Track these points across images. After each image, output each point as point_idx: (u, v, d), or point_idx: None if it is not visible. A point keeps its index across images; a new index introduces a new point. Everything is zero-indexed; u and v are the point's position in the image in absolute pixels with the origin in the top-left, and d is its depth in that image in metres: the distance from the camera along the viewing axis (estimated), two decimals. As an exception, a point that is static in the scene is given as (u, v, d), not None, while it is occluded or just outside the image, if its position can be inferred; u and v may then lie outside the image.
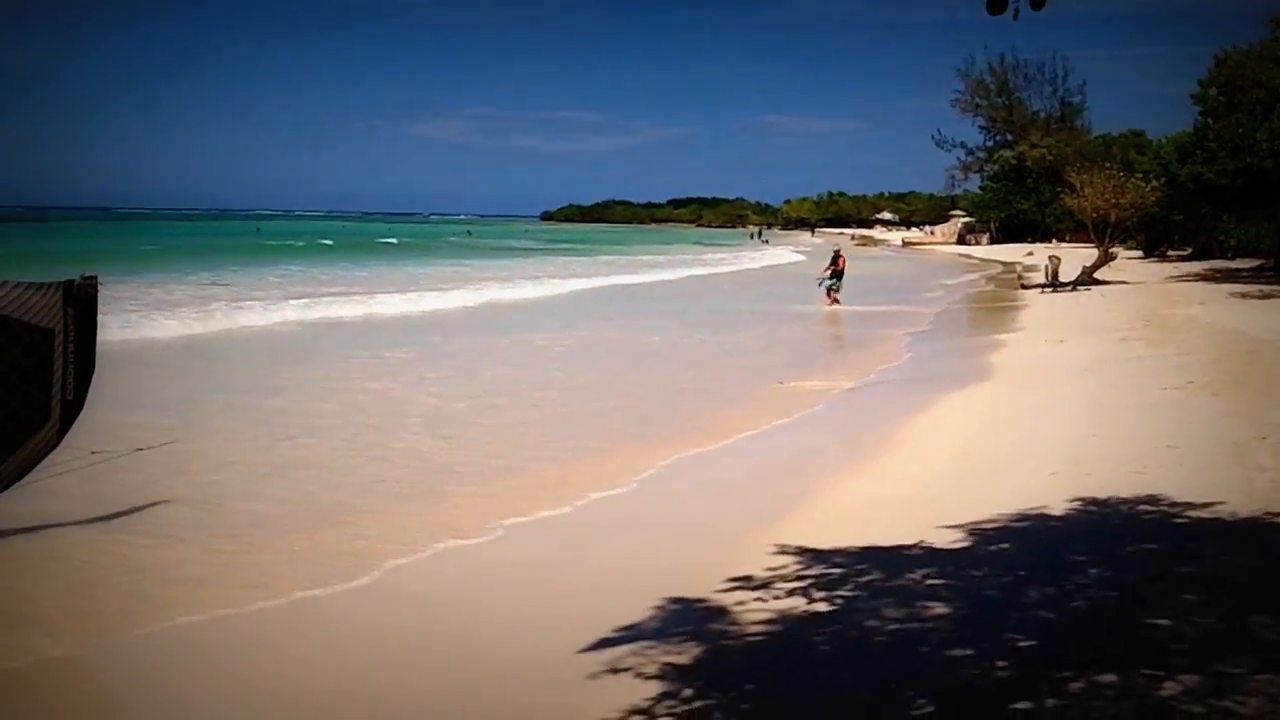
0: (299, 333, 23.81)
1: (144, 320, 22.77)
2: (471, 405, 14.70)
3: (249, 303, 27.37)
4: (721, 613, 6.72)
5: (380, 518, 9.20)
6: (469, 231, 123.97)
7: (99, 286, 8.13)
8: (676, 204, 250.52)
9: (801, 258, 69.03)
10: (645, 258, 68.91)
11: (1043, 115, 74.29)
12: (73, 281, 7.99)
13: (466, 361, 19.86)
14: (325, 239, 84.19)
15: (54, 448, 8.15)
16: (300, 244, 73.25)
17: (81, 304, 8.01)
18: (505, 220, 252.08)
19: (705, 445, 12.23)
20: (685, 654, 6.08)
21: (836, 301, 31.97)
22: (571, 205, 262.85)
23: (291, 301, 28.48)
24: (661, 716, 5.22)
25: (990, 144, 77.14)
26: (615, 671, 5.88)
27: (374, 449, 11.81)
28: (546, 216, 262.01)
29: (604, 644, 6.28)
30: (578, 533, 9.02)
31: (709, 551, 8.25)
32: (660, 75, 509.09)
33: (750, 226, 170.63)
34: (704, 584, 7.21)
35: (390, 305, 29.68)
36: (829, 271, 32.90)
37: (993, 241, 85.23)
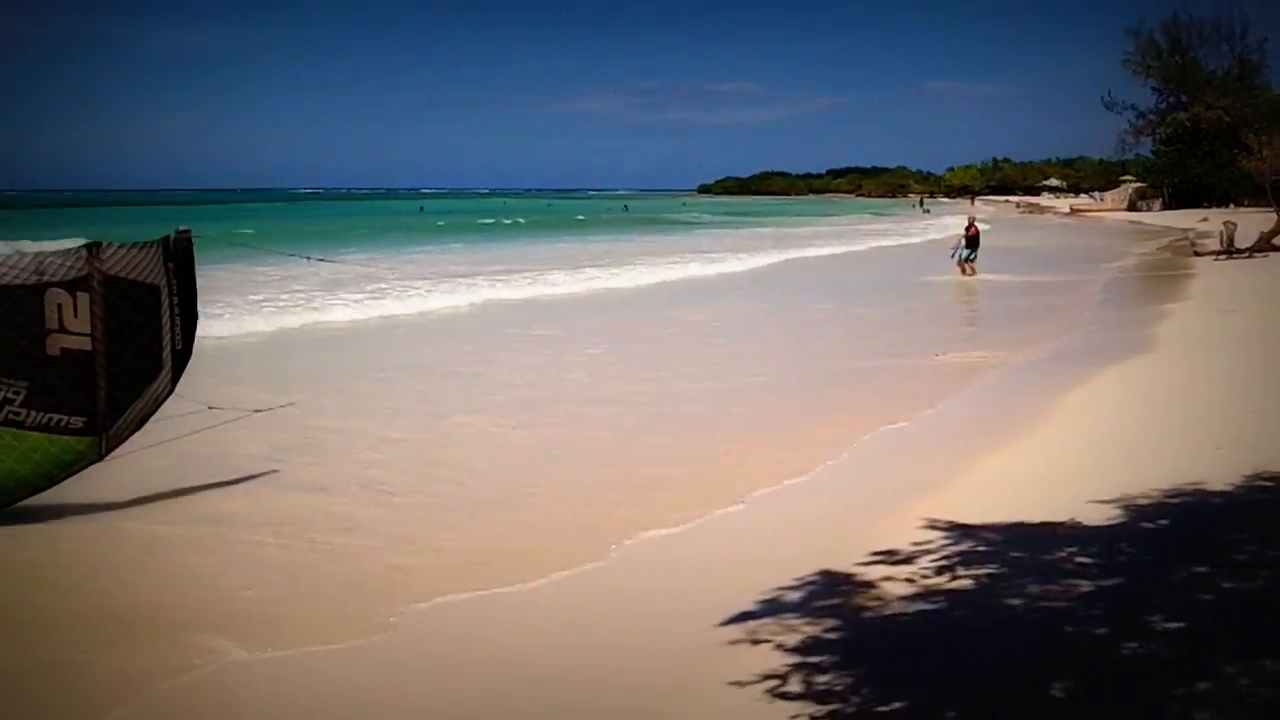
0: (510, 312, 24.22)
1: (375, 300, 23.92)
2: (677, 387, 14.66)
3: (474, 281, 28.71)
4: (864, 586, 6.69)
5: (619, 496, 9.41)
6: (625, 207, 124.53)
7: (192, 239, 8.70)
8: (835, 174, 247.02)
9: (986, 225, 67.26)
10: (809, 229, 68.26)
11: (1219, 74, 71.44)
12: (168, 238, 8.60)
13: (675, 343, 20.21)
14: (514, 217, 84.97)
15: (168, 396, 8.77)
16: (489, 222, 74.23)
17: (180, 258, 8.62)
18: (662, 194, 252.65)
19: (897, 420, 12.08)
20: (825, 627, 6.06)
21: (974, 272, 31.01)
22: (729, 177, 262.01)
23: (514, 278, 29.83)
24: (797, 688, 5.22)
25: (1163, 106, 74.67)
26: (755, 643, 5.90)
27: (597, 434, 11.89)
28: (704, 189, 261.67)
29: (745, 616, 6.32)
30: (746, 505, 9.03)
31: (857, 523, 8.22)
32: (818, 43, 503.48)
33: (912, 196, 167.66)
34: (849, 556, 7.18)
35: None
36: (962, 241, 31.97)
37: (1165, 207, 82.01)
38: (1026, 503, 8.28)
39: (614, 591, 7.22)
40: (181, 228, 8.73)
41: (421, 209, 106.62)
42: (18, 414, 8.18)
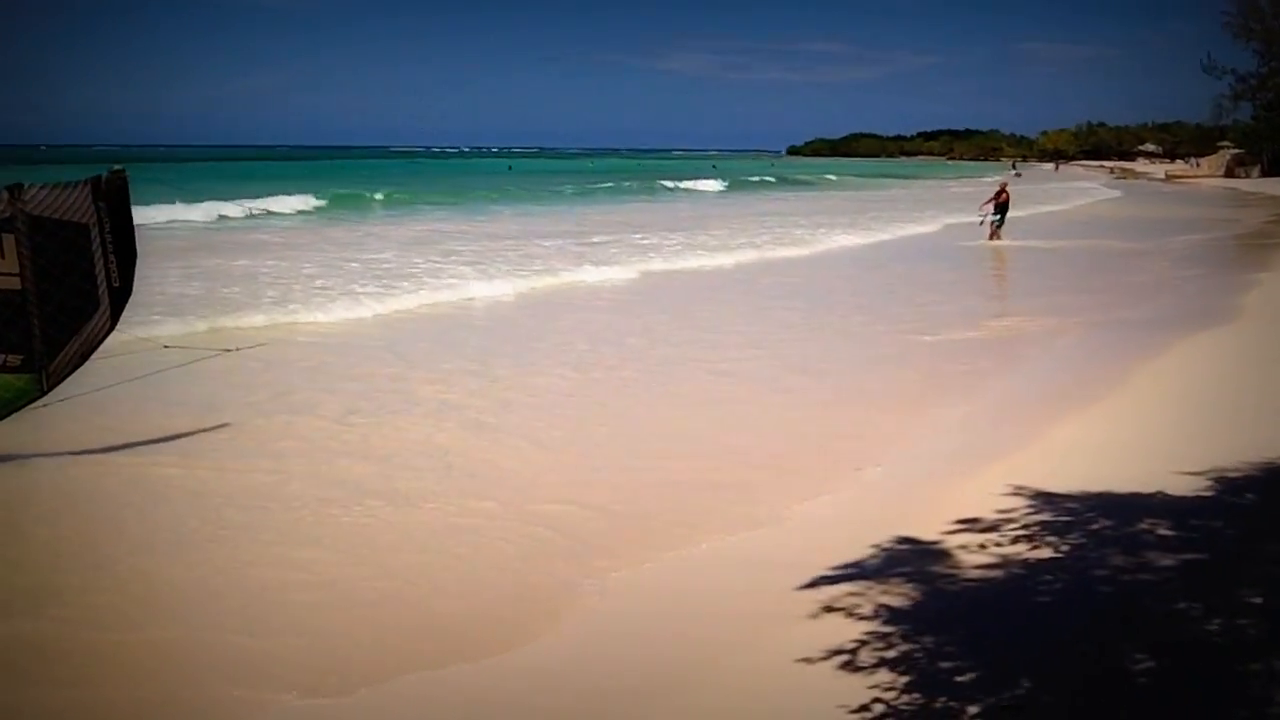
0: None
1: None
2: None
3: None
4: (943, 554, 6.67)
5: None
6: (714, 166, 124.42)
7: (127, 179, 8.74)
8: (926, 136, 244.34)
9: (1117, 193, 66.95)
10: (907, 190, 67.04)
11: (1325, 38, 69.50)
12: (99, 177, 8.63)
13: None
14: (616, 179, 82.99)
15: (109, 333, 8.87)
16: (608, 184, 73.28)
17: (113, 197, 8.64)
18: (750, 155, 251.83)
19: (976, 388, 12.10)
20: (902, 595, 6.06)
21: (998, 237, 30.15)
22: (819, 139, 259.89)
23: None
24: (869, 656, 5.25)
25: (1264, 70, 72.70)
26: (829, 610, 5.92)
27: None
28: (793, 151, 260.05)
29: (822, 581, 6.34)
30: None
31: (936, 490, 8.21)
32: (908, 1, 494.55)
33: (1005, 159, 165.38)
34: (928, 524, 7.16)
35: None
36: (990, 206, 30.76)
37: (1264, 174, 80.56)
38: (1110, 471, 8.20)
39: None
40: (116, 167, 8.84)
41: (510, 168, 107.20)
42: None
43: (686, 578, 6.83)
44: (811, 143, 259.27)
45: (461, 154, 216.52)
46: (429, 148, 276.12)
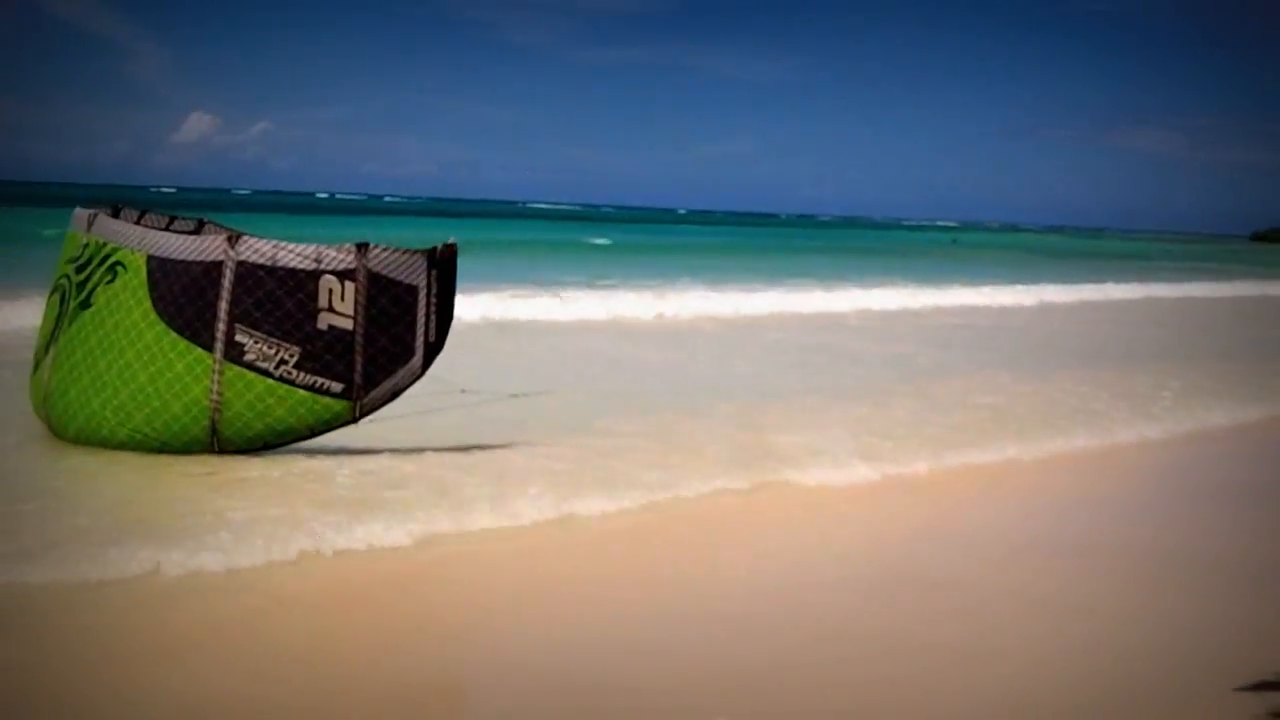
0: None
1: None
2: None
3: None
4: None
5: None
6: (1168, 252, 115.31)
7: (456, 251, 10.31)
8: None
9: None
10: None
11: None
12: (435, 249, 10.23)
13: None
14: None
15: (418, 378, 10.40)
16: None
17: (443, 266, 10.25)
18: (1210, 239, 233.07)
19: None
20: None
21: None
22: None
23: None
24: None
25: None
26: None
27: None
28: (1257, 237, 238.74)
29: None
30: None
31: None
32: None
33: None
34: None
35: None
36: None
37: None
38: None
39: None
40: (450, 240, 10.40)
41: (954, 241, 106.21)
42: (290, 374, 10.14)
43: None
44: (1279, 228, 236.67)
45: (892, 225, 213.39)
46: (857, 217, 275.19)
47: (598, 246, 63.17)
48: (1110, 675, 6.45)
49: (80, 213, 11.67)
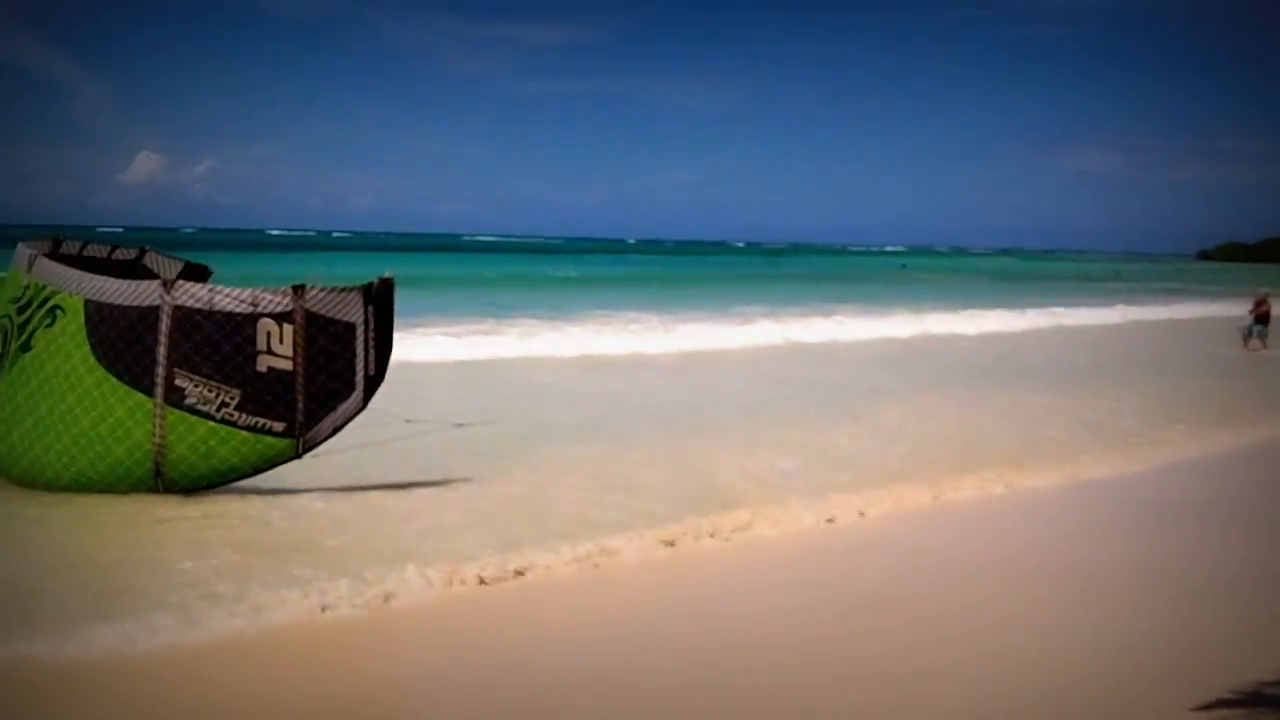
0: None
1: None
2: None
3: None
4: None
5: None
6: (1116, 273, 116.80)
7: (393, 285, 10.43)
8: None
9: None
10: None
11: None
12: (371, 284, 10.34)
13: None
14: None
15: (360, 410, 10.54)
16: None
17: (379, 301, 10.37)
18: (1155, 259, 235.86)
19: None
20: None
21: (1259, 347, 29.91)
22: (1232, 243, 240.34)
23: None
24: None
25: None
26: None
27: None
28: (1204, 255, 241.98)
29: None
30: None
31: None
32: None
33: None
34: None
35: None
36: (1252, 315, 30.91)
37: None
38: None
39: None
40: (386, 274, 10.49)
41: (904, 266, 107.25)
42: (232, 415, 10.28)
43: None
44: (1224, 246, 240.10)
45: (833, 250, 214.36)
46: (796, 244, 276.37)
47: (552, 279, 63.46)
48: (1067, 695, 6.62)
49: (22, 250, 11.59)
